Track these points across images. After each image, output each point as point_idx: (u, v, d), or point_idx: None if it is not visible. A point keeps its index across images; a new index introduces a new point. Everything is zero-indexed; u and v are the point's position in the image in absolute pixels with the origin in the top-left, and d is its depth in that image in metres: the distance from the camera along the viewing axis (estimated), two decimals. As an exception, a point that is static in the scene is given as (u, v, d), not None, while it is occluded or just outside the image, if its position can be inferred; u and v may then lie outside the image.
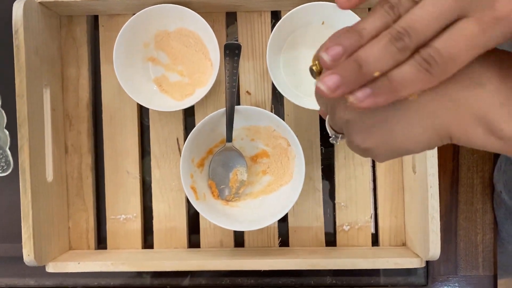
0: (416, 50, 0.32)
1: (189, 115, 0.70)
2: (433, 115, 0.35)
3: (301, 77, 0.67)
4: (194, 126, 0.67)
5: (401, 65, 0.33)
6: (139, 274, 0.70)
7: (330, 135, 0.43)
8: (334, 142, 0.44)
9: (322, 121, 0.69)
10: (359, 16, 0.63)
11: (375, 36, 0.33)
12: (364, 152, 0.39)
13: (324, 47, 0.34)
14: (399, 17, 0.33)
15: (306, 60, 0.67)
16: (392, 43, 0.32)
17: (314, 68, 0.41)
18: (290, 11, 0.63)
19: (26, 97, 0.60)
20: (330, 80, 0.34)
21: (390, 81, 0.33)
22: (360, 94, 0.34)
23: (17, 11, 0.59)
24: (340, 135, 0.42)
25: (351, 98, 0.34)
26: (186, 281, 0.70)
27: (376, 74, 0.33)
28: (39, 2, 0.63)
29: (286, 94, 0.64)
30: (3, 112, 0.72)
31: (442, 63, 0.32)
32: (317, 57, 0.40)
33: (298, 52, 0.67)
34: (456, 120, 0.34)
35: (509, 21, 0.31)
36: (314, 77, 0.42)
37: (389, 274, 0.69)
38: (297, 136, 0.66)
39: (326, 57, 0.34)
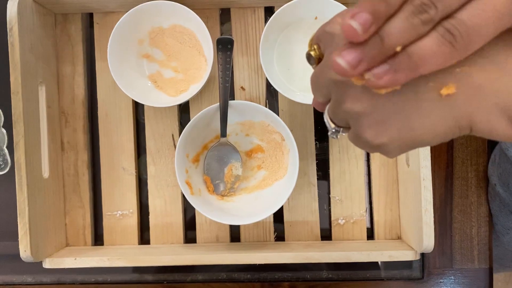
0: (439, 22, 0.30)
1: (184, 111, 0.71)
2: (455, 104, 0.32)
3: (295, 72, 0.68)
4: (189, 122, 0.68)
5: (422, 38, 0.30)
6: (137, 270, 0.71)
7: (329, 129, 0.39)
8: (334, 136, 0.40)
9: (316, 116, 0.69)
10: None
11: (399, 7, 0.30)
12: (374, 148, 0.35)
13: (350, 14, 0.30)
14: None
15: (300, 55, 0.68)
16: (415, 15, 0.30)
17: (312, 53, 0.38)
18: (283, 7, 0.64)
19: (21, 94, 0.60)
20: (350, 55, 0.30)
21: (409, 55, 0.30)
22: (378, 70, 0.31)
23: (12, 8, 0.60)
24: (341, 129, 0.39)
25: (368, 75, 0.31)
26: (183, 276, 0.70)
27: (398, 48, 0.31)
28: (33, 0, 0.64)
29: (280, 89, 0.64)
30: (0, 111, 0.72)
31: (467, 35, 0.29)
32: (316, 40, 0.38)
33: (292, 47, 0.68)
34: (479, 109, 0.32)
35: None
36: (312, 64, 0.39)
37: (385, 268, 0.69)
38: (291, 131, 0.66)
39: (355, 24, 0.30)
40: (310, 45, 0.39)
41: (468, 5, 0.30)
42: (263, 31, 0.64)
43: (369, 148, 0.36)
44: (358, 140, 0.36)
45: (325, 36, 0.35)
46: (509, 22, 0.30)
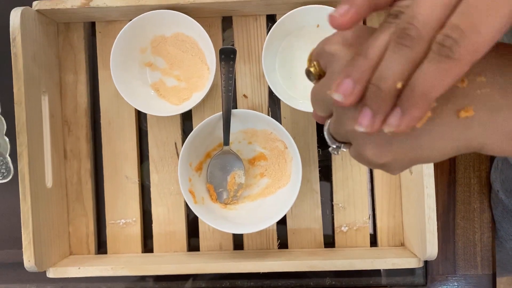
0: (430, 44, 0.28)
1: (186, 118, 0.71)
2: (470, 126, 0.31)
3: (297, 80, 0.68)
4: (191, 130, 0.67)
5: (420, 65, 0.28)
6: (140, 278, 0.71)
7: (329, 144, 0.38)
8: (335, 153, 0.39)
9: (318, 123, 0.69)
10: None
11: (383, 52, 0.30)
12: (377, 166, 0.35)
13: (334, 84, 0.31)
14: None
15: (302, 63, 0.68)
16: (400, 44, 0.28)
17: (312, 69, 0.38)
18: (285, 15, 0.64)
19: (24, 104, 0.60)
20: (364, 118, 0.30)
21: (413, 88, 0.28)
22: (392, 119, 0.30)
23: (15, 19, 0.60)
24: (342, 145, 0.38)
25: (387, 129, 0.30)
26: (187, 284, 0.70)
27: (399, 85, 0.29)
28: (36, 10, 0.64)
29: (282, 97, 0.64)
30: (2, 119, 0.72)
31: (463, 40, 0.26)
32: (315, 57, 0.37)
33: (294, 55, 0.68)
34: (494, 133, 0.31)
35: None
36: (311, 80, 0.39)
37: (388, 275, 0.70)
38: (294, 138, 0.66)
39: (338, 97, 0.31)
40: (310, 60, 0.38)
41: (457, 8, 0.27)
42: (266, 39, 0.64)
43: (371, 166, 0.35)
44: (360, 158, 0.35)
45: (325, 55, 0.35)
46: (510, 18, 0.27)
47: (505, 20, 0.27)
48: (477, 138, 0.32)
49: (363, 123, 0.30)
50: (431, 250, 0.59)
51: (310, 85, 0.40)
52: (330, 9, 0.63)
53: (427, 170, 0.59)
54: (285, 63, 0.68)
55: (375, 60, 0.30)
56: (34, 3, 0.64)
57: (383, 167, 0.35)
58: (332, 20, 0.31)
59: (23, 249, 0.61)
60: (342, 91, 0.30)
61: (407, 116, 0.29)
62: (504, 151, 0.32)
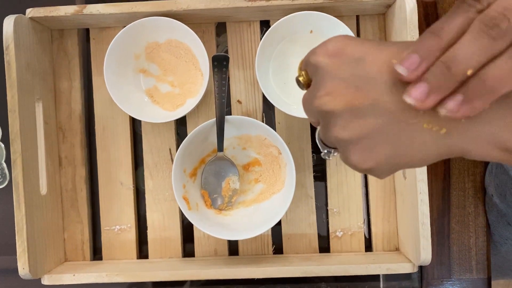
0: None
1: (181, 123, 0.71)
2: (449, 137, 0.32)
3: (291, 85, 0.68)
4: (186, 136, 0.68)
5: (495, 59, 0.27)
6: (135, 284, 0.71)
7: (321, 150, 0.40)
8: (326, 157, 0.41)
9: (313, 129, 0.69)
10: (347, 24, 0.64)
11: (458, 35, 0.28)
12: (362, 171, 0.35)
13: (399, 58, 0.30)
14: (488, 7, 0.27)
15: (295, 69, 0.68)
16: (484, 32, 0.27)
17: (301, 79, 0.39)
18: (279, 21, 0.64)
19: (18, 112, 0.60)
20: (416, 91, 0.29)
21: (483, 80, 0.28)
22: (452, 104, 0.29)
23: (8, 27, 0.60)
24: (333, 150, 0.39)
25: (443, 111, 0.30)
26: (182, 290, 0.70)
27: (469, 72, 0.28)
28: (29, 18, 0.64)
29: (276, 103, 0.64)
30: (-2, 125, 0.73)
31: None
32: (304, 66, 0.38)
33: (288, 61, 0.68)
34: (473, 142, 0.31)
35: None
36: (302, 88, 0.40)
37: (384, 279, 0.70)
38: (288, 143, 0.66)
39: (401, 69, 0.30)
40: (299, 70, 0.39)
41: None
42: (259, 45, 0.64)
43: (358, 170, 0.36)
44: (347, 163, 0.37)
45: (310, 66, 0.36)
46: None
47: None
48: (458, 145, 0.32)
49: (414, 94, 0.29)
50: (425, 255, 0.59)
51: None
52: (323, 15, 0.63)
53: (421, 176, 0.59)
54: (279, 69, 0.68)
55: (448, 41, 0.29)
56: (28, 10, 0.64)
57: (369, 171, 0.35)
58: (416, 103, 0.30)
59: (17, 257, 0.61)
60: (407, 66, 0.30)
61: (469, 105, 0.29)
62: (488, 157, 0.32)
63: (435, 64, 0.29)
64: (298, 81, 0.40)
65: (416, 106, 0.30)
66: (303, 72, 0.39)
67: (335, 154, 0.40)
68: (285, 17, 0.64)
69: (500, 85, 0.27)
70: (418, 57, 0.29)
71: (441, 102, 0.29)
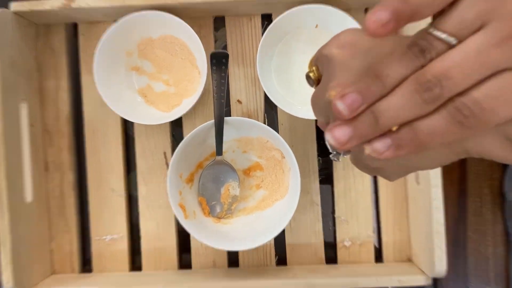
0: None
1: (176, 124, 0.66)
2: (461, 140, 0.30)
3: (295, 84, 0.63)
4: (182, 138, 0.63)
5: (430, 116, 0.28)
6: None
7: (330, 151, 0.38)
8: (335, 159, 0.39)
9: (319, 130, 0.65)
10: (355, 18, 0.59)
11: (398, 85, 0.28)
12: (373, 171, 0.35)
13: (339, 93, 0.29)
14: (430, 62, 0.27)
15: (300, 66, 0.63)
16: (418, 93, 0.27)
17: (311, 74, 0.38)
18: (282, 15, 0.59)
19: (1, 114, 0.55)
20: (339, 132, 0.29)
21: (415, 133, 0.28)
22: (379, 145, 0.29)
23: (-13, 21, 0.55)
24: (343, 151, 0.37)
25: (368, 150, 0.30)
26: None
27: (394, 129, 0.29)
28: (13, 12, 0.59)
29: (279, 103, 0.60)
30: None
31: (481, 116, 0.26)
32: (315, 61, 0.37)
33: (291, 58, 0.63)
34: (481, 141, 0.30)
35: None
36: (311, 85, 0.39)
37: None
38: (292, 146, 0.62)
39: (341, 106, 0.29)
40: (310, 66, 0.38)
41: (484, 83, 0.26)
42: (260, 41, 0.59)
43: (368, 172, 0.35)
44: (358, 164, 0.35)
45: (322, 59, 0.34)
46: None
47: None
48: (475, 148, 0.30)
49: (337, 135, 0.29)
50: (440, 267, 0.55)
51: (309, 89, 0.38)
52: (329, 9, 0.59)
53: (435, 181, 0.55)
54: (281, 67, 0.63)
55: (388, 90, 0.28)
56: (13, 4, 0.59)
57: (379, 172, 0.35)
58: (369, 27, 0.27)
59: (1, 269, 0.56)
60: (348, 104, 0.29)
61: (397, 151, 0.29)
62: (492, 156, 0.30)
63: (365, 112, 0.29)
64: (308, 77, 0.39)
65: (333, 145, 0.30)
66: (314, 68, 0.37)
67: (345, 155, 0.38)
68: (289, 10, 0.59)
69: (430, 140, 0.28)
70: (361, 100, 0.29)
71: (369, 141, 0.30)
